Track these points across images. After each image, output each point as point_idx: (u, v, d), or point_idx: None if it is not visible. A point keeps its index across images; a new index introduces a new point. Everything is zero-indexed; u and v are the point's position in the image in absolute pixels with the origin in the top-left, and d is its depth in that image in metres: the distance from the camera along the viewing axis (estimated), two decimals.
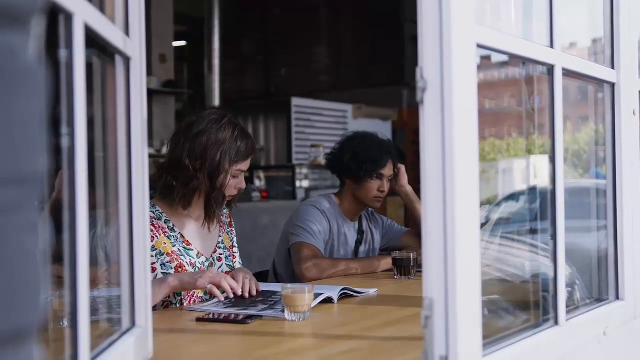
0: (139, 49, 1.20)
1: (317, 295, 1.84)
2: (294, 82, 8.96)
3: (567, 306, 1.38)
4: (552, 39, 1.35)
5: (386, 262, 2.53)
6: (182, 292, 1.98)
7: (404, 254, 2.41)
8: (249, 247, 4.84)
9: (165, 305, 1.96)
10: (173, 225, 2.08)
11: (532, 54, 1.33)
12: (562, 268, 1.35)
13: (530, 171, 1.69)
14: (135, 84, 1.19)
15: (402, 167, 2.78)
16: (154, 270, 1.98)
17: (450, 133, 1.00)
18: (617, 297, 1.64)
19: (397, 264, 2.40)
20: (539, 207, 1.55)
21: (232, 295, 1.88)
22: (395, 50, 8.21)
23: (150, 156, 4.34)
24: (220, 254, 2.18)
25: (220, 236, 2.21)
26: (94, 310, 0.95)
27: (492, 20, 1.43)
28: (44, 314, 0.59)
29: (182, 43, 9.68)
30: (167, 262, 2.00)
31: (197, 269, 2.06)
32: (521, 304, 1.53)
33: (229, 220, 2.29)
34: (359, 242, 2.77)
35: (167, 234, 2.04)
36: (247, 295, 1.94)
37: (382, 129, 6.49)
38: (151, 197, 2.06)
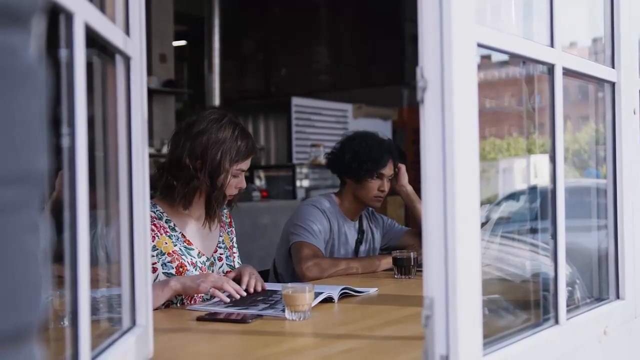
0: (139, 49, 1.20)
1: (317, 295, 1.84)
2: (294, 81, 8.96)
3: (568, 305, 1.38)
4: (553, 38, 1.35)
5: (386, 262, 2.53)
6: None
7: (404, 254, 2.41)
8: (249, 246, 4.84)
9: (166, 305, 1.96)
10: (174, 224, 2.08)
11: (533, 53, 1.33)
12: (562, 267, 1.35)
13: (530, 170, 1.69)
14: (136, 84, 1.19)
15: (403, 167, 2.78)
16: (155, 270, 1.98)
17: (451, 132, 1.00)
18: (618, 297, 1.64)
19: (397, 263, 2.40)
20: (539, 206, 1.55)
21: (237, 297, 1.87)
22: (395, 49, 8.21)
23: (151, 156, 4.34)
24: (221, 254, 2.18)
25: (220, 236, 2.21)
26: (94, 310, 0.95)
27: (493, 19, 1.43)
28: (44, 314, 0.59)
29: (182, 43, 9.68)
30: (168, 262, 2.00)
31: (198, 269, 2.06)
32: (521, 303, 1.53)
33: (229, 220, 2.29)
34: (359, 242, 2.77)
35: (168, 234, 2.05)
36: (251, 290, 1.98)
37: (382, 129, 6.49)
38: (152, 197, 2.06)
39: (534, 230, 1.66)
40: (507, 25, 1.54)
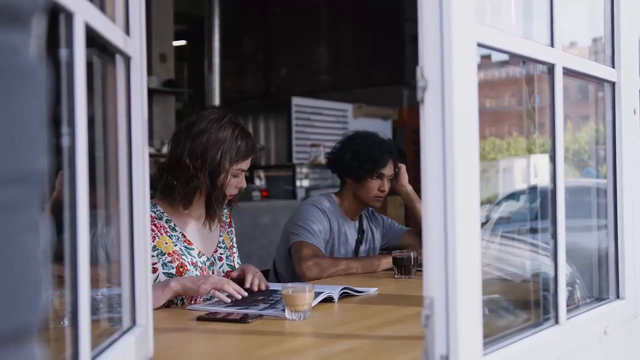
0: (139, 48, 1.20)
1: (317, 294, 1.84)
2: (294, 81, 8.97)
3: (568, 305, 1.38)
4: (553, 38, 1.35)
5: (386, 261, 2.53)
6: None
7: (404, 253, 2.41)
8: (249, 246, 4.84)
9: (166, 305, 1.96)
10: (174, 224, 2.08)
11: (533, 53, 1.33)
12: (562, 267, 1.35)
13: (530, 170, 1.69)
14: (136, 83, 1.19)
15: (403, 167, 2.78)
16: (155, 270, 1.98)
17: (451, 132, 1.00)
18: (618, 296, 1.64)
19: (397, 263, 2.40)
20: (539, 206, 1.55)
21: (239, 297, 1.87)
22: (396, 49, 8.21)
23: (151, 155, 4.34)
24: (221, 254, 2.18)
25: (220, 236, 2.21)
26: (94, 310, 0.95)
27: (493, 19, 1.43)
28: (44, 313, 0.59)
29: (182, 42, 9.68)
30: (169, 262, 2.00)
31: (198, 268, 2.06)
32: (522, 303, 1.53)
33: (229, 220, 2.29)
34: (359, 241, 2.77)
35: (168, 234, 2.05)
36: (255, 289, 2.01)
37: (383, 129, 6.49)
38: (152, 197, 2.06)
39: (534, 230, 1.66)
40: (507, 25, 1.54)
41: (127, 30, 1.17)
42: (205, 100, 8.07)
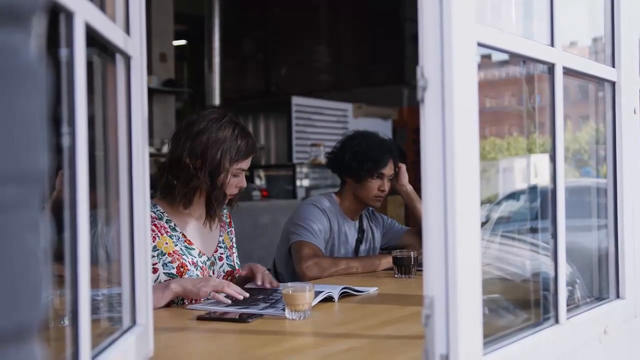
0: (140, 48, 1.20)
1: (317, 294, 1.84)
2: (294, 81, 8.97)
3: (568, 305, 1.38)
4: (553, 38, 1.35)
5: (386, 261, 2.53)
6: None
7: (404, 253, 2.41)
8: (249, 246, 4.85)
9: (166, 304, 1.96)
10: (174, 224, 2.08)
11: (533, 53, 1.33)
12: (562, 267, 1.35)
13: (530, 170, 1.69)
14: (136, 83, 1.19)
15: (403, 166, 2.78)
16: (155, 271, 1.98)
17: (451, 132, 1.00)
18: (618, 296, 1.64)
19: (397, 262, 2.40)
20: (540, 206, 1.55)
21: (240, 298, 1.87)
22: (396, 49, 8.21)
23: (151, 155, 4.34)
24: (221, 254, 2.18)
25: (221, 235, 2.21)
26: (94, 309, 0.95)
27: (493, 19, 1.43)
28: (45, 313, 0.59)
29: (183, 42, 9.68)
30: (169, 262, 2.00)
31: (199, 268, 2.06)
32: (522, 303, 1.53)
33: (229, 220, 2.29)
34: (359, 241, 2.77)
35: (168, 234, 2.05)
36: (268, 285, 2.05)
37: (383, 128, 6.49)
38: (152, 197, 2.06)
39: (534, 230, 1.66)
40: (508, 24, 1.54)
41: (127, 30, 1.17)
42: (206, 100, 8.07)
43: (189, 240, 2.08)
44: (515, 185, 2.02)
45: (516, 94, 1.70)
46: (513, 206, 2.08)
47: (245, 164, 2.09)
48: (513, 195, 2.04)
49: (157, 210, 2.06)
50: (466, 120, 1.03)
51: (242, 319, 1.68)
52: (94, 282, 1.01)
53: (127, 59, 1.17)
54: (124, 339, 1.12)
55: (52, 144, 0.62)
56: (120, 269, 1.18)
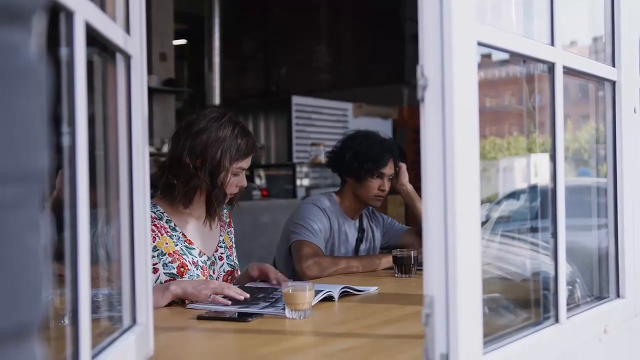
0: (140, 47, 1.20)
1: (317, 293, 1.84)
2: (295, 80, 8.97)
3: (568, 304, 1.38)
4: (553, 37, 1.35)
5: (387, 260, 2.53)
6: None
7: (404, 252, 2.41)
8: (249, 245, 4.85)
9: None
10: (174, 224, 2.08)
11: (533, 52, 1.32)
12: (562, 266, 1.35)
13: (530, 169, 1.69)
14: (136, 82, 1.19)
15: (403, 166, 2.78)
16: (156, 271, 1.98)
17: (451, 131, 1.00)
18: (618, 295, 1.64)
19: (397, 262, 2.40)
20: (540, 205, 1.55)
21: (241, 298, 1.86)
22: (396, 48, 8.21)
23: (151, 155, 4.34)
24: (222, 253, 2.18)
25: (221, 235, 2.21)
26: (94, 308, 0.95)
27: (493, 18, 1.43)
28: (45, 312, 0.59)
29: (183, 41, 9.69)
30: (169, 262, 2.00)
31: (199, 268, 2.06)
32: (522, 302, 1.53)
33: (229, 220, 2.29)
34: (359, 240, 2.78)
35: (168, 234, 2.05)
36: (283, 284, 2.06)
37: (383, 128, 6.49)
38: (152, 197, 2.06)
39: (534, 229, 1.66)
40: (508, 24, 1.54)
41: (127, 29, 1.17)
42: (206, 100, 8.07)
43: (189, 240, 2.08)
44: (515, 185, 2.02)
45: (516, 94, 1.70)
46: (513, 205, 2.08)
47: (246, 163, 2.09)
48: (513, 195, 2.04)
49: (157, 210, 2.06)
50: (466, 119, 1.03)
51: (242, 318, 1.68)
52: (94, 282, 1.01)
53: (127, 58, 1.17)
54: (124, 338, 1.12)
55: (52, 144, 0.62)
56: (121, 268, 1.18)
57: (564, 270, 1.35)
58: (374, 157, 2.64)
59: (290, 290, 1.67)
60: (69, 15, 0.84)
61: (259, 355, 1.40)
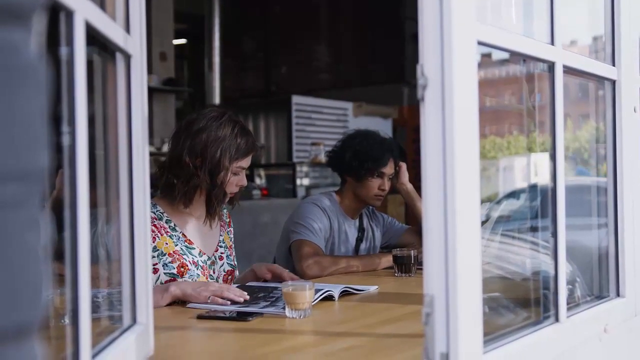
0: (140, 47, 1.20)
1: (317, 292, 1.84)
2: (295, 80, 8.97)
3: (568, 303, 1.38)
4: (553, 36, 1.35)
5: (387, 260, 2.53)
6: None
7: (404, 252, 2.41)
8: (249, 244, 4.85)
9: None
10: (174, 224, 2.08)
11: (533, 51, 1.32)
12: (562, 265, 1.35)
13: (530, 169, 1.69)
14: (136, 82, 1.19)
15: (403, 165, 2.78)
16: (156, 271, 1.98)
17: (451, 130, 1.00)
18: (618, 294, 1.64)
19: (397, 261, 2.40)
20: (540, 204, 1.55)
21: (241, 300, 1.85)
22: (396, 48, 8.21)
23: (151, 154, 4.34)
24: (222, 253, 2.18)
25: (221, 235, 2.21)
26: (95, 308, 0.95)
27: (493, 17, 1.43)
28: (45, 311, 0.59)
29: (183, 41, 9.69)
30: (169, 262, 2.00)
31: (199, 268, 2.06)
32: (522, 301, 1.53)
33: (229, 220, 2.29)
34: (359, 240, 2.78)
35: (168, 234, 2.04)
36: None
37: (383, 127, 6.49)
38: (152, 196, 2.06)
39: (534, 229, 1.66)
40: (508, 23, 1.54)
41: (127, 29, 1.17)
42: (206, 99, 8.07)
43: (189, 240, 2.08)
44: (515, 184, 2.02)
45: (516, 93, 1.70)
46: (513, 205, 2.08)
47: (245, 162, 2.09)
48: (513, 194, 2.05)
49: (156, 211, 2.06)
50: (466, 118, 1.03)
51: (242, 317, 1.68)
52: (94, 281, 1.01)
53: (127, 57, 1.16)
54: (124, 337, 1.12)
55: (52, 143, 0.62)
56: (121, 267, 1.18)
57: (564, 269, 1.35)
58: (374, 157, 2.64)
59: (291, 290, 1.67)
60: (69, 14, 0.84)
61: (259, 354, 1.40)
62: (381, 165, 2.65)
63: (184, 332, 1.64)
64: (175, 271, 2.00)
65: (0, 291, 0.54)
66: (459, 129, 1.01)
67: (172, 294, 1.85)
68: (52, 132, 0.63)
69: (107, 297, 1.25)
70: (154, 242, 1.99)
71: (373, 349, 1.43)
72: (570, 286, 1.48)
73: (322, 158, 6.38)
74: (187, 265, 2.03)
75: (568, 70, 1.40)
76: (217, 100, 8.12)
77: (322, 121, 7.31)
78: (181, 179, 2.03)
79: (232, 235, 2.28)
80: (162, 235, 2.03)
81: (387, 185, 2.68)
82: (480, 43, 1.09)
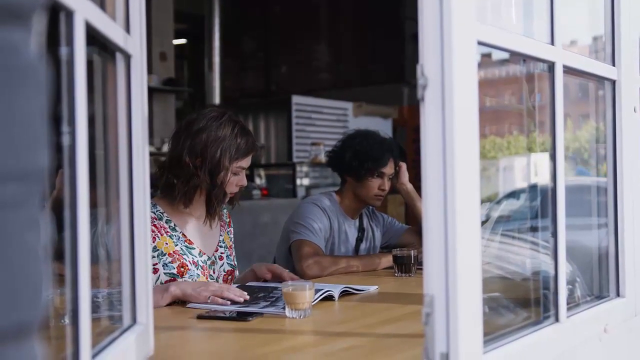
0: (140, 47, 1.20)
1: (317, 292, 1.84)
2: (295, 80, 8.97)
3: (568, 303, 1.38)
4: (553, 36, 1.35)
5: (387, 260, 2.53)
6: None
7: (404, 252, 2.41)
8: (249, 244, 4.85)
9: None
10: (174, 224, 2.08)
11: (533, 51, 1.32)
12: (562, 265, 1.35)
13: (530, 169, 1.69)
14: (136, 82, 1.19)
15: (403, 165, 2.78)
16: (156, 271, 1.98)
17: (451, 130, 1.00)
18: (618, 294, 1.64)
19: (397, 261, 2.40)
20: (540, 204, 1.55)
21: (241, 300, 1.85)
22: (396, 48, 8.21)
23: (151, 154, 4.33)
24: (222, 253, 2.18)
25: (221, 235, 2.21)
26: (95, 308, 0.95)
27: (493, 17, 1.43)
28: (45, 311, 0.59)
29: (183, 41, 9.69)
30: (169, 262, 2.00)
31: (199, 268, 2.06)
32: (522, 301, 1.53)
33: (229, 220, 2.29)
34: (359, 240, 2.78)
35: (168, 234, 2.04)
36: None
37: (383, 127, 6.49)
38: (152, 196, 2.06)
39: (534, 229, 1.66)
40: (508, 23, 1.54)
41: (127, 29, 1.17)
42: (206, 99, 8.07)
43: (189, 240, 2.08)
44: (515, 184, 2.02)
45: (516, 93, 1.70)
46: (513, 205, 2.08)
47: (245, 162, 2.09)
48: (513, 194, 2.05)
49: (156, 211, 2.06)
50: (466, 118, 1.03)
51: (242, 317, 1.68)
52: (94, 281, 1.01)
53: (127, 57, 1.16)
54: (124, 337, 1.12)
55: (52, 143, 0.62)
56: (121, 267, 1.18)
57: (564, 269, 1.35)
58: (374, 157, 2.64)
59: (291, 290, 1.67)
60: (69, 14, 0.84)
61: (259, 354, 1.40)
62: (381, 165, 2.65)
63: (184, 332, 1.64)
64: (175, 271, 2.00)
65: (1, 291, 0.54)
66: (459, 129, 1.01)
67: (172, 294, 1.85)
68: (52, 132, 0.63)
69: (107, 297, 1.25)
70: (154, 242, 1.99)
71: (373, 349, 1.43)
72: (570, 286, 1.48)
73: (322, 158, 6.38)
74: (187, 265, 2.03)
75: (568, 70, 1.40)
76: (217, 100, 8.12)
77: (322, 121, 7.31)
78: (181, 179, 2.03)
79: (232, 235, 2.28)
80: (162, 235, 2.03)
81: (387, 185, 2.68)
82: (480, 43, 1.09)
